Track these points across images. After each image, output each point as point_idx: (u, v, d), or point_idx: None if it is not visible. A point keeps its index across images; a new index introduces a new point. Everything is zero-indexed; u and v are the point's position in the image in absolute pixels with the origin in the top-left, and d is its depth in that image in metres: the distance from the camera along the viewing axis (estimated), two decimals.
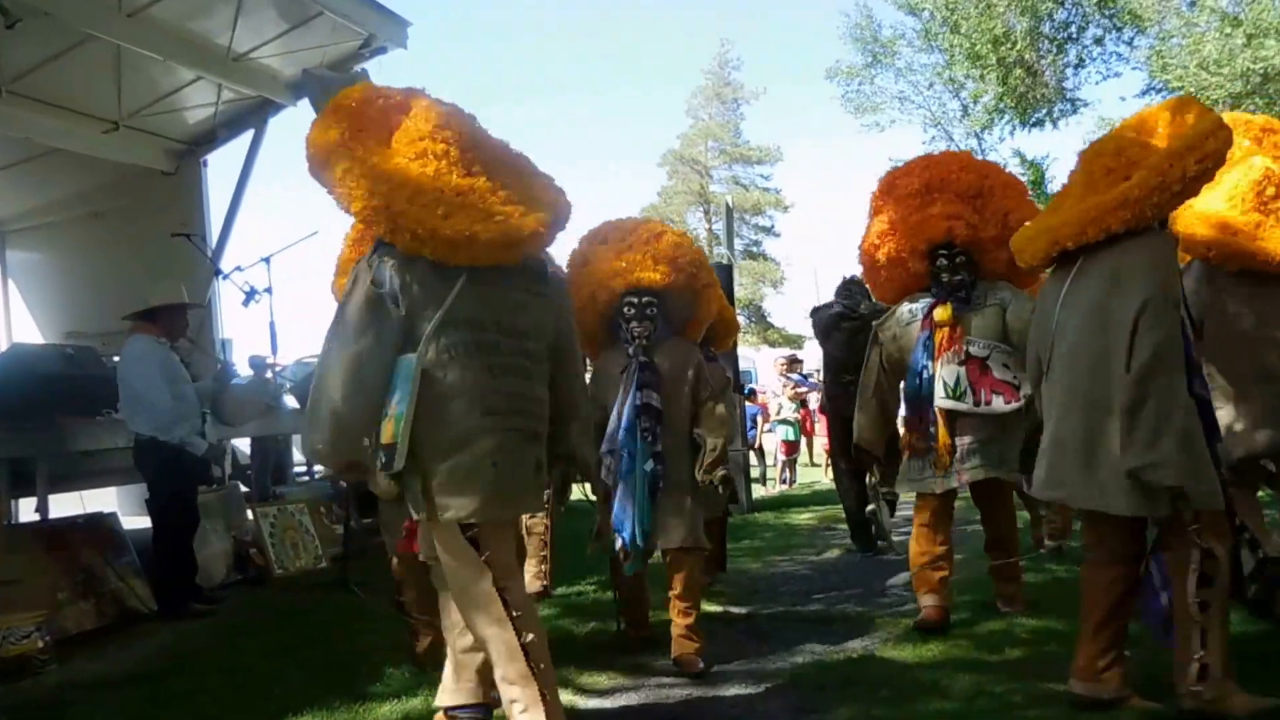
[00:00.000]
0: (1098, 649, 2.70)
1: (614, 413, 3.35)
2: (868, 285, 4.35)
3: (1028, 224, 3.11)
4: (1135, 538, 2.72)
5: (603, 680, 3.30)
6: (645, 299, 3.45)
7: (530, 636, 2.34)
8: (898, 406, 3.94)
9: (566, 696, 3.11)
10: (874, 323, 4.09)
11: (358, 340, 2.34)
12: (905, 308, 3.91)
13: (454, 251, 2.31)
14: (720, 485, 3.48)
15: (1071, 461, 2.67)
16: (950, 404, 3.65)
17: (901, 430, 3.90)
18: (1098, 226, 2.59)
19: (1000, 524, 3.95)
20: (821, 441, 12.15)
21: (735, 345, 6.45)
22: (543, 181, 2.62)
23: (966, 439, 3.68)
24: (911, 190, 3.87)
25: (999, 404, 3.64)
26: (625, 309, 3.46)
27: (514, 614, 2.32)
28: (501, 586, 2.34)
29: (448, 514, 2.33)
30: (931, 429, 3.69)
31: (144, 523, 4.78)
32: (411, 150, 2.42)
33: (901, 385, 3.87)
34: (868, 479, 5.25)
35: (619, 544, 3.33)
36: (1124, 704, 2.68)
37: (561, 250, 3.48)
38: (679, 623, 3.41)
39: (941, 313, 3.72)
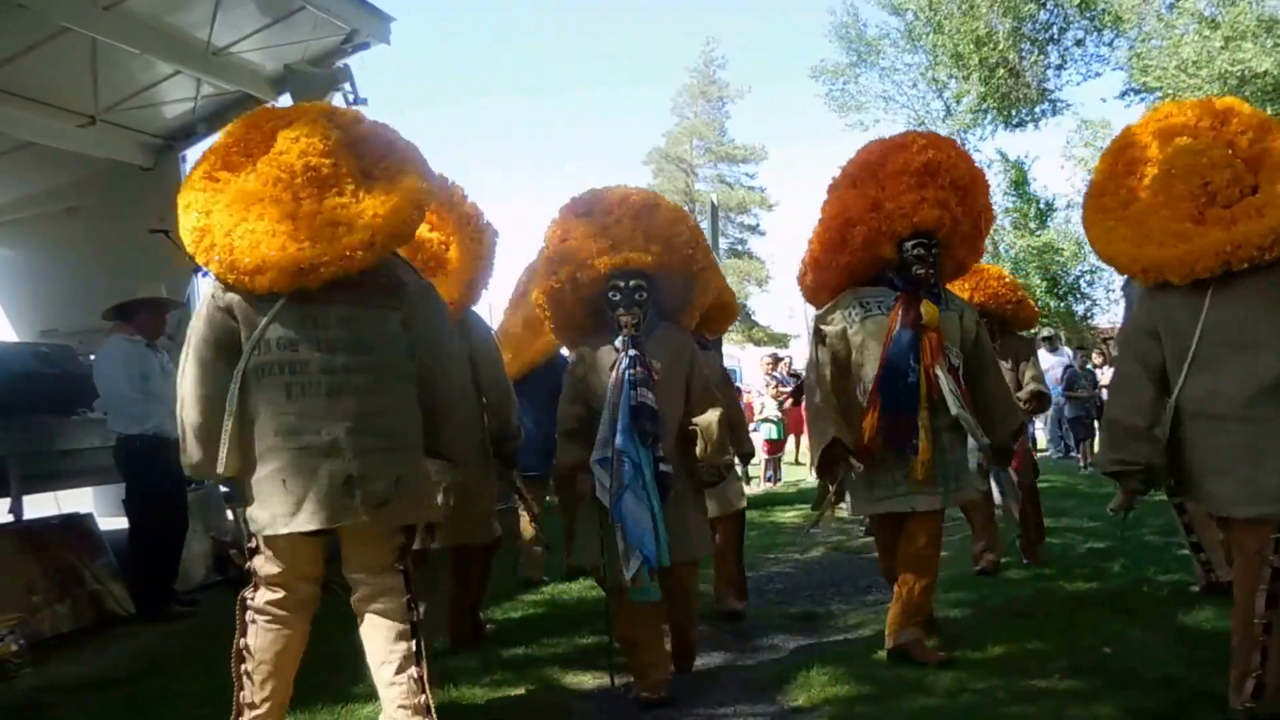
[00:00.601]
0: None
1: (606, 414, 2.99)
2: (809, 270, 3.62)
3: (1128, 237, 2.83)
4: None
5: (587, 680, 3.28)
6: (634, 283, 3.06)
7: (254, 662, 2.53)
8: (851, 408, 3.40)
9: (551, 696, 3.11)
10: (817, 315, 3.59)
11: (205, 359, 2.55)
12: (853, 301, 3.43)
13: (252, 279, 2.46)
14: (712, 474, 3.11)
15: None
16: (964, 415, 3.27)
17: (870, 438, 3.30)
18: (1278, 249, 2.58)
19: (934, 550, 3.41)
20: (808, 440, 12.21)
21: (721, 342, 6.42)
22: (400, 199, 2.59)
23: (956, 455, 3.32)
24: (910, 168, 3.40)
25: (978, 430, 3.32)
26: (611, 294, 3.07)
27: (247, 617, 2.54)
28: (252, 598, 2.56)
29: (253, 526, 2.53)
30: (914, 440, 3.26)
31: (121, 523, 4.71)
32: (260, 178, 2.60)
33: (868, 388, 3.34)
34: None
35: (634, 568, 2.86)
36: None
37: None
38: (676, 639, 3.18)
39: (930, 311, 3.33)
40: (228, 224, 2.51)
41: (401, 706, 2.51)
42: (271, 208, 2.52)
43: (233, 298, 2.53)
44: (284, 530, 2.46)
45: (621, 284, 3.06)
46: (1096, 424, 10.57)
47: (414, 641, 2.56)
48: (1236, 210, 2.66)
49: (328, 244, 2.47)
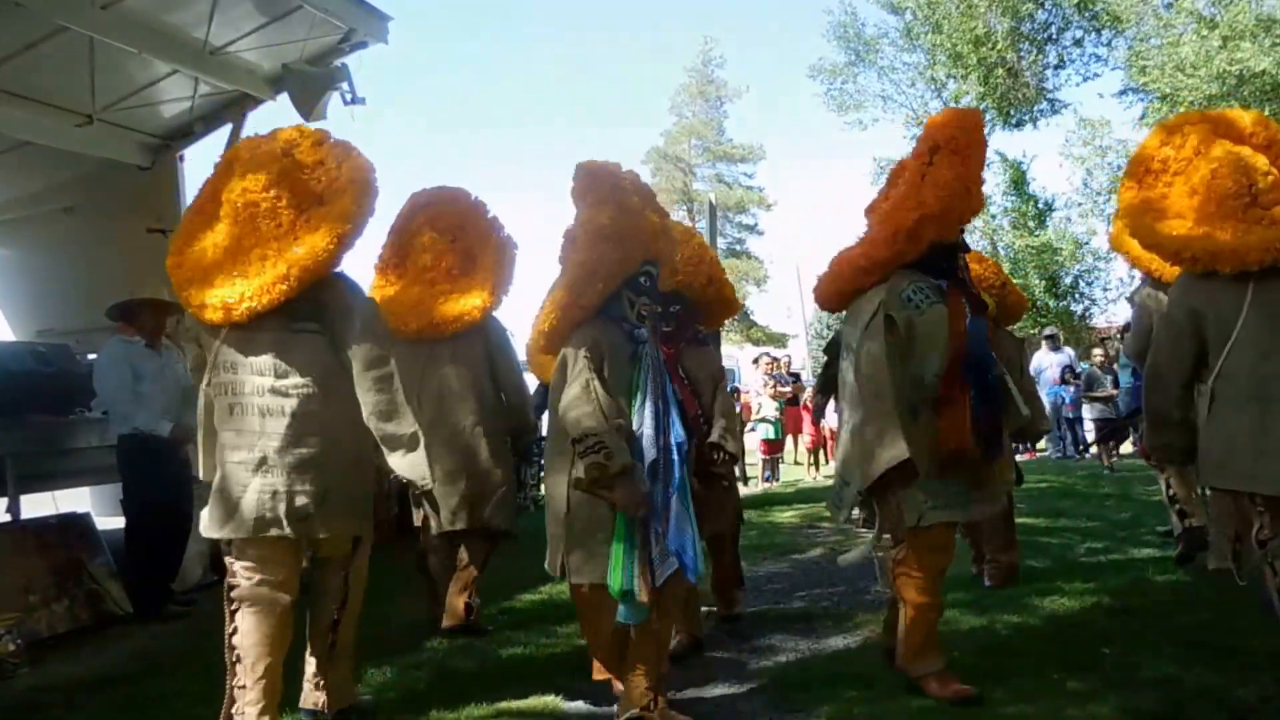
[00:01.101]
0: None
1: (648, 409, 2.70)
2: (897, 238, 3.00)
3: (1174, 227, 2.98)
4: None
5: (583, 681, 3.28)
6: (656, 272, 2.94)
7: (244, 657, 2.66)
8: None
9: (547, 697, 3.10)
10: (880, 301, 2.96)
11: (194, 381, 2.89)
12: (912, 285, 2.97)
13: (200, 312, 2.74)
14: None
15: None
16: (1027, 414, 3.14)
17: (962, 439, 2.88)
18: None
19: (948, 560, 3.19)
20: (805, 440, 12.19)
21: (719, 336, 6.36)
22: (322, 233, 2.74)
23: None
24: (984, 146, 3.17)
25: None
26: (642, 279, 2.88)
27: (232, 608, 2.69)
28: (234, 587, 2.71)
29: (200, 527, 2.80)
30: (1001, 439, 3.01)
31: (119, 523, 4.71)
32: (220, 213, 2.86)
33: (927, 381, 2.93)
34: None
35: (666, 574, 2.63)
36: None
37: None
38: (640, 668, 2.72)
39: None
40: (193, 258, 2.82)
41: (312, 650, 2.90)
42: (224, 242, 2.80)
43: (199, 326, 2.81)
44: (212, 535, 2.75)
45: (652, 271, 2.91)
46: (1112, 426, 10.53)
47: (336, 615, 2.90)
48: (1276, 212, 2.86)
49: (253, 278, 2.69)
